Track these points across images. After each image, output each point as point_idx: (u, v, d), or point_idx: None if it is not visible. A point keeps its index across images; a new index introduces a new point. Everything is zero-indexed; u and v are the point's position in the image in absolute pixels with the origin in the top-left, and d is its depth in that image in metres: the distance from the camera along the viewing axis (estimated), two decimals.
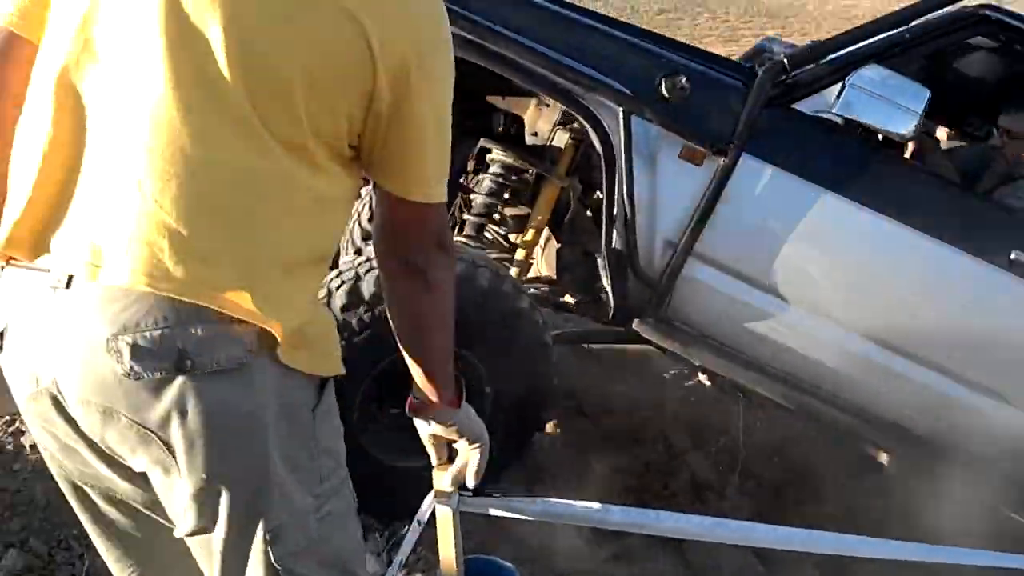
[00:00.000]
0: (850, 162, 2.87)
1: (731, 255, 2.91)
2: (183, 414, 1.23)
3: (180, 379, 1.22)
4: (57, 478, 1.46)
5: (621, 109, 2.77)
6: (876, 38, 2.83)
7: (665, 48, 3.02)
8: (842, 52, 2.85)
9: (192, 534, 1.34)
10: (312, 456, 1.40)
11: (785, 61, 2.78)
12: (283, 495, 1.36)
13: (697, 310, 3.01)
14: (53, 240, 1.27)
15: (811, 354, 2.96)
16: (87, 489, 1.45)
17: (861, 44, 2.84)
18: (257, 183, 1.25)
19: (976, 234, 2.84)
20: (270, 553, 1.37)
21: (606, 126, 2.78)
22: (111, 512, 1.49)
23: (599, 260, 2.99)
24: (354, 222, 3.85)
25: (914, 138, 2.98)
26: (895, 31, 2.82)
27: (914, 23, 2.82)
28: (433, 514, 1.81)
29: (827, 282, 2.89)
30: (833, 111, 2.73)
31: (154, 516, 1.44)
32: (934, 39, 2.86)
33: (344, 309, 2.66)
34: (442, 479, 1.73)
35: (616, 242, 2.89)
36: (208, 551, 1.38)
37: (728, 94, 2.83)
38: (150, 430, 1.25)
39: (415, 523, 1.84)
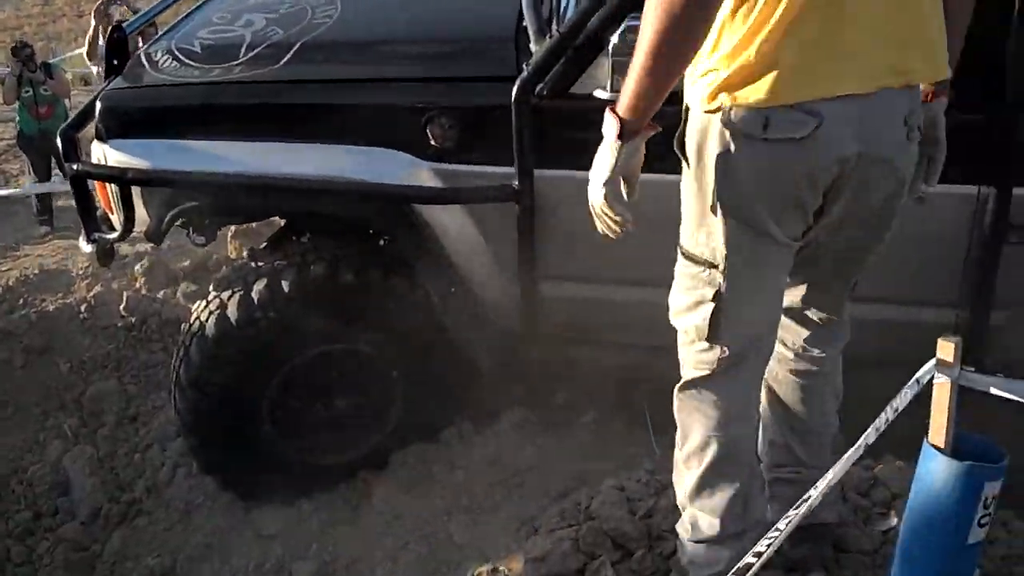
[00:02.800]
0: None
1: (574, 265, 2.89)
2: None
3: None
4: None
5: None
6: None
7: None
8: (578, 22, 2.58)
9: None
10: None
11: (528, 74, 2.62)
12: None
13: (568, 322, 3.01)
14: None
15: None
16: None
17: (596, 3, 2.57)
18: None
19: None
20: None
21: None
22: None
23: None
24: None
25: None
26: None
27: None
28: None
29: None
30: (609, 93, 2.63)
31: None
32: None
33: (240, 319, 2.87)
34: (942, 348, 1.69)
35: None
36: None
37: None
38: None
39: (906, 390, 1.74)
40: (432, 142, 2.78)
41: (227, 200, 2.98)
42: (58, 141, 2.98)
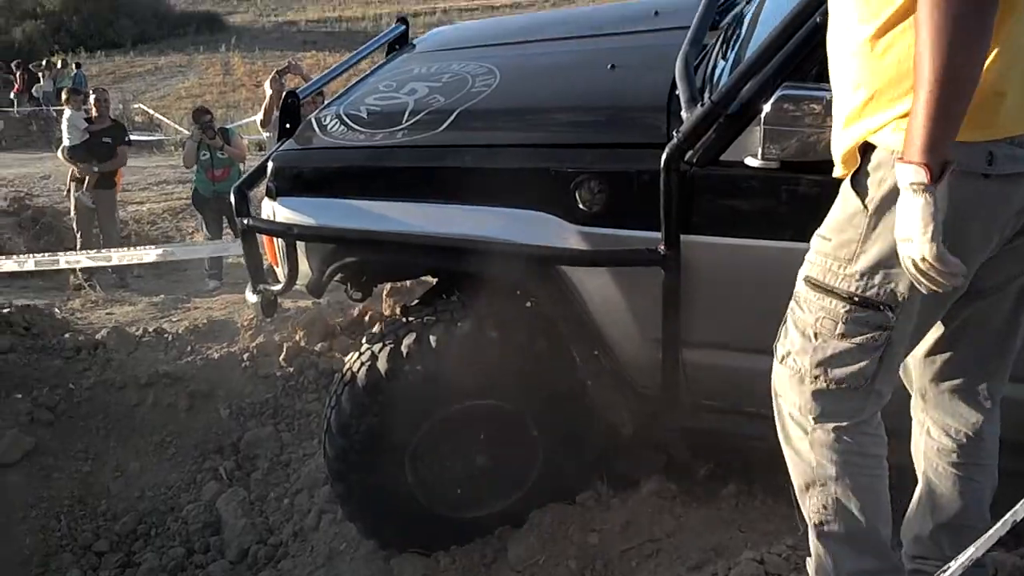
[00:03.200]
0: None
1: (721, 333, 2.88)
2: None
3: None
4: None
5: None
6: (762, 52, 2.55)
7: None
8: (731, 90, 2.59)
9: None
10: None
11: (678, 140, 2.66)
12: None
13: (714, 391, 2.99)
14: None
15: None
16: None
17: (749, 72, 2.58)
18: None
19: None
20: None
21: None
22: None
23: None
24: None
25: None
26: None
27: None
28: None
29: None
30: (760, 160, 2.65)
31: None
32: None
33: (389, 371, 2.99)
34: None
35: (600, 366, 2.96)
36: None
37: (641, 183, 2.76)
38: None
39: None
40: (580, 206, 2.85)
41: (383, 257, 3.11)
42: (231, 198, 3.20)
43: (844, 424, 1.92)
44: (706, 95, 2.75)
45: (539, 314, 3.08)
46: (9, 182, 12.92)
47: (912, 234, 1.61)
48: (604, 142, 2.91)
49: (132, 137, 11.82)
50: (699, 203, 2.74)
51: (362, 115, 3.26)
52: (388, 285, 4.97)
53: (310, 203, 3.09)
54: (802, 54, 2.63)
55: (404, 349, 3.03)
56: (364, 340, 3.25)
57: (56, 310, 5.53)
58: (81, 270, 8.82)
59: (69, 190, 9.58)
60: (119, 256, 7.41)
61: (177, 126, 18.45)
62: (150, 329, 5.03)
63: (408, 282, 4.74)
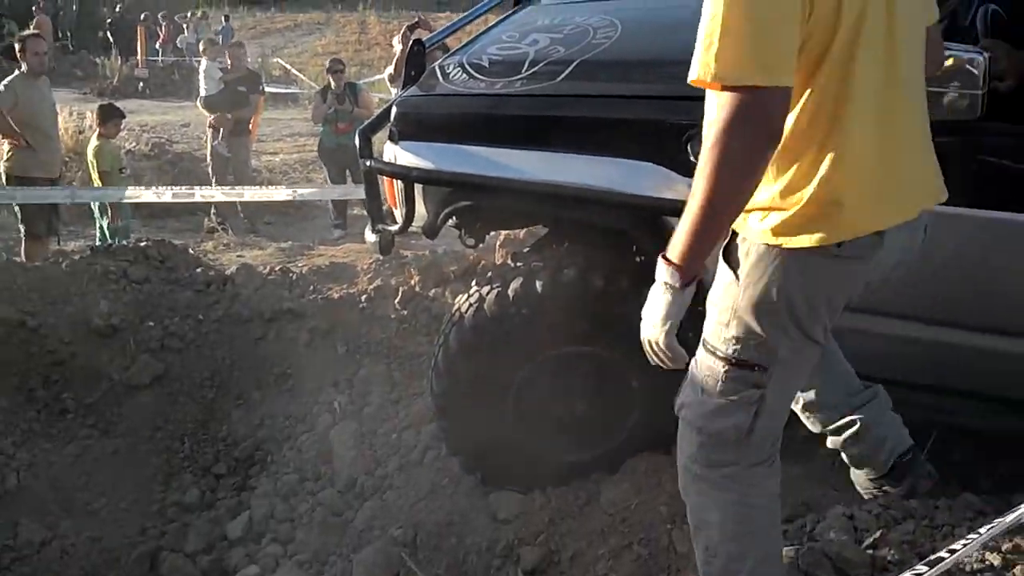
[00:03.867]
0: None
1: None
2: None
3: None
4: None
5: None
6: None
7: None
8: None
9: None
10: None
11: None
12: None
13: None
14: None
15: None
16: None
17: None
18: None
19: None
20: None
21: None
22: None
23: None
24: None
25: None
26: None
27: None
28: None
29: None
30: None
31: None
32: None
33: (495, 313, 3.11)
34: None
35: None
36: None
37: None
38: None
39: None
40: (692, 158, 2.87)
41: (496, 202, 3.20)
42: (356, 140, 3.33)
43: (726, 472, 2.09)
44: None
45: (645, 265, 3.13)
46: (151, 128, 13.54)
47: (653, 321, 1.96)
48: None
49: (268, 89, 12.25)
50: None
51: (484, 64, 3.34)
52: (502, 234, 5.08)
53: (429, 148, 3.19)
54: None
55: (511, 293, 3.12)
56: (474, 283, 3.35)
57: (190, 250, 5.82)
58: (215, 214, 9.25)
59: (207, 138, 10.02)
60: (251, 193, 7.72)
61: (311, 82, 18.95)
62: (276, 268, 5.26)
63: (520, 232, 4.83)
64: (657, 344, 1.99)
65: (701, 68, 1.75)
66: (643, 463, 3.19)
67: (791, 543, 2.52)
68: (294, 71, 21.69)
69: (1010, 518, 1.72)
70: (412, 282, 4.86)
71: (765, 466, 2.14)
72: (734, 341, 1.99)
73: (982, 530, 1.85)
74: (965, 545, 1.75)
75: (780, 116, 1.73)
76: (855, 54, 1.80)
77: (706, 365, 2.06)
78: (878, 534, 2.47)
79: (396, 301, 4.69)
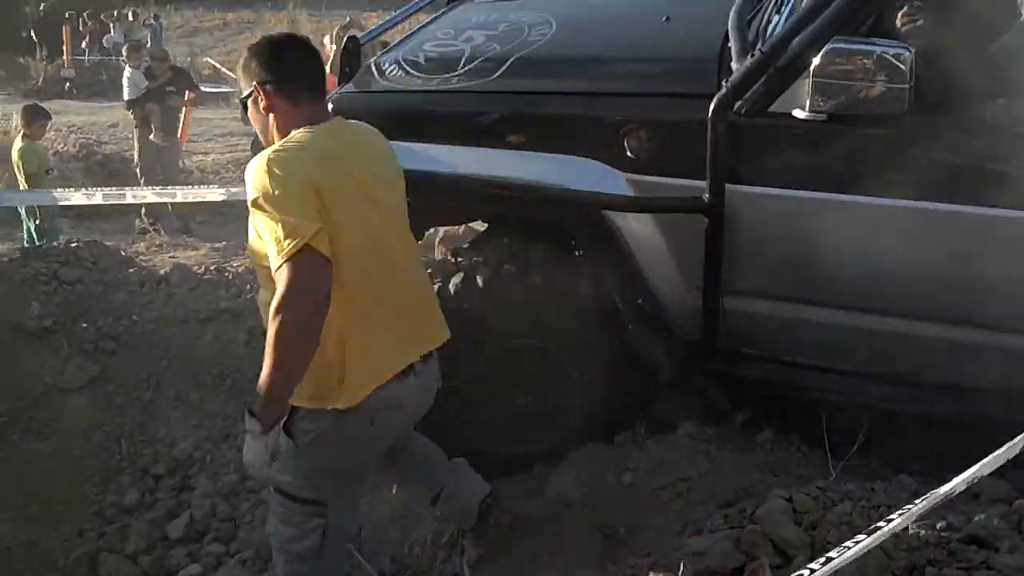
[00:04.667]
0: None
1: (761, 282, 2.95)
2: None
3: None
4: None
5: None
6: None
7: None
8: (782, 42, 2.70)
9: None
10: None
11: (726, 91, 2.74)
12: None
13: (752, 338, 3.07)
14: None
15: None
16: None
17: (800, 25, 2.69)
18: None
19: None
20: None
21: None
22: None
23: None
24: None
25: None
26: None
27: None
28: None
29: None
30: (807, 112, 2.70)
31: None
32: None
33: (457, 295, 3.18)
34: None
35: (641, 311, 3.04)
36: None
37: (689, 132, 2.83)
38: None
39: None
40: (629, 153, 2.92)
41: (433, 198, 3.21)
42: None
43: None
44: (758, 47, 2.81)
45: (583, 259, 3.17)
46: (79, 129, 13.24)
47: (257, 463, 2.27)
48: (654, 91, 2.98)
49: (205, 88, 12.06)
50: (745, 153, 2.81)
51: (420, 61, 3.36)
52: (441, 231, 5.08)
53: None
54: (853, 8, 2.69)
55: (452, 288, 3.14)
56: None
57: (122, 251, 5.71)
58: (146, 215, 9.08)
59: (135, 136, 9.83)
60: (183, 193, 7.57)
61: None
62: (212, 268, 5.20)
63: (460, 228, 4.84)
64: (268, 479, 2.43)
65: None
66: (585, 454, 3.23)
67: (732, 527, 2.58)
68: (224, 70, 21.37)
69: (943, 490, 1.79)
70: None
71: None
72: (297, 485, 2.43)
73: (917, 502, 1.92)
74: (901, 515, 1.81)
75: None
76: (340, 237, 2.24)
77: (279, 501, 2.50)
78: (818, 515, 2.54)
79: None
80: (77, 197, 6.77)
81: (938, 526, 2.42)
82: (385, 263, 2.40)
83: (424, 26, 3.80)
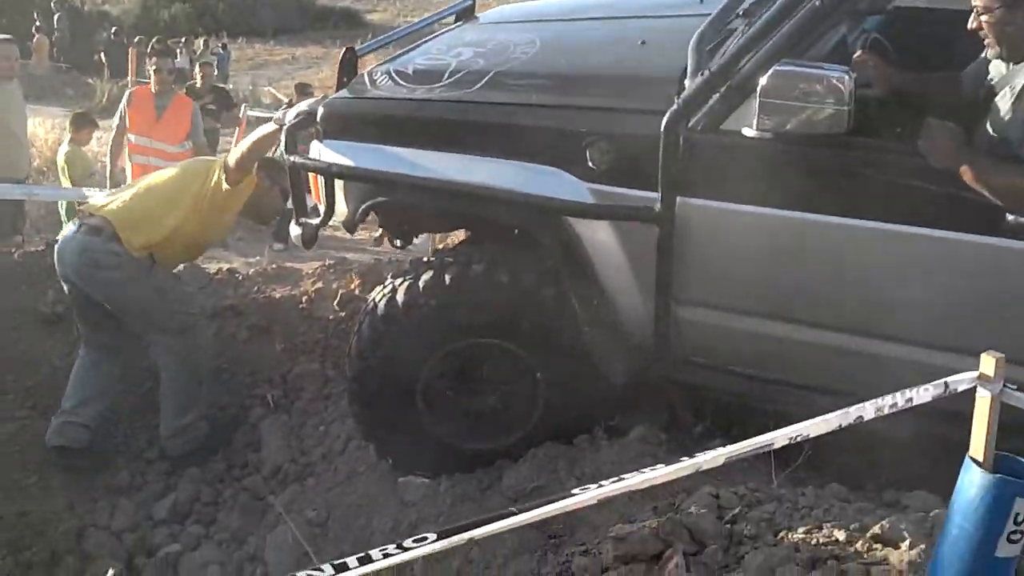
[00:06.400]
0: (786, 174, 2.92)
1: (708, 292, 3.07)
2: None
3: None
4: None
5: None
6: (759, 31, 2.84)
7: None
8: (730, 63, 2.86)
9: None
10: None
11: (677, 107, 2.89)
12: None
13: (701, 347, 3.19)
14: None
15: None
16: None
17: (752, 47, 2.85)
18: None
19: None
20: None
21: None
22: None
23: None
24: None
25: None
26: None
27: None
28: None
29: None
30: (755, 131, 2.83)
31: None
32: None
33: (405, 302, 3.28)
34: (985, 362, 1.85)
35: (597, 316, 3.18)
36: None
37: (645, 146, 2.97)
38: None
39: (928, 387, 1.91)
40: (590, 164, 3.07)
41: (409, 198, 3.39)
42: (282, 137, 3.54)
43: None
44: (707, 66, 2.96)
45: (546, 263, 3.31)
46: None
47: None
48: (616, 107, 3.13)
49: (252, 113, 12.46)
50: (696, 167, 2.95)
51: (408, 72, 3.55)
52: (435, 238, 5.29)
53: (349, 146, 3.39)
54: (799, 33, 2.83)
55: (421, 284, 3.30)
56: (389, 276, 3.54)
57: None
58: None
59: None
60: None
61: None
62: (224, 268, 5.45)
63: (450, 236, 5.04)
64: None
65: None
66: (542, 450, 3.35)
67: (658, 517, 2.69)
68: (280, 95, 21.90)
69: (761, 439, 1.95)
70: (352, 286, 5.03)
71: None
72: None
73: (672, 467, 2.15)
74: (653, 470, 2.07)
75: None
76: None
77: None
78: (740, 511, 2.64)
79: (335, 303, 4.86)
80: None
81: (851, 527, 2.51)
82: None
83: (423, 42, 4.00)
